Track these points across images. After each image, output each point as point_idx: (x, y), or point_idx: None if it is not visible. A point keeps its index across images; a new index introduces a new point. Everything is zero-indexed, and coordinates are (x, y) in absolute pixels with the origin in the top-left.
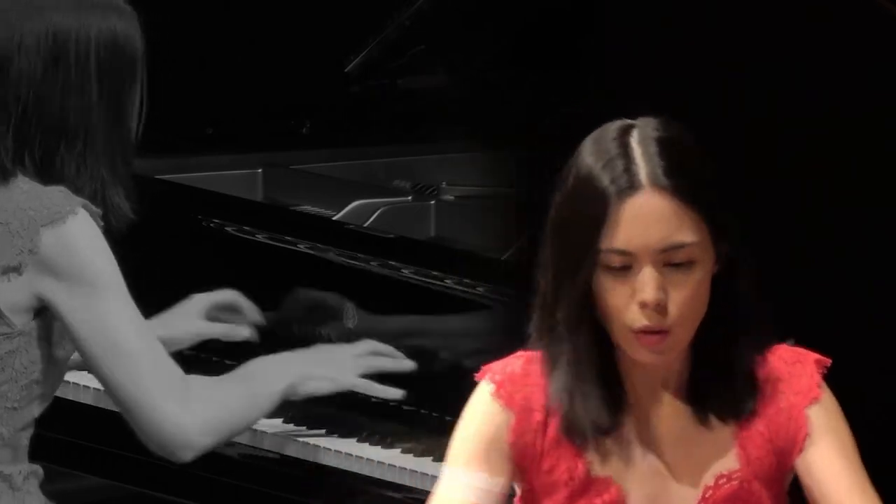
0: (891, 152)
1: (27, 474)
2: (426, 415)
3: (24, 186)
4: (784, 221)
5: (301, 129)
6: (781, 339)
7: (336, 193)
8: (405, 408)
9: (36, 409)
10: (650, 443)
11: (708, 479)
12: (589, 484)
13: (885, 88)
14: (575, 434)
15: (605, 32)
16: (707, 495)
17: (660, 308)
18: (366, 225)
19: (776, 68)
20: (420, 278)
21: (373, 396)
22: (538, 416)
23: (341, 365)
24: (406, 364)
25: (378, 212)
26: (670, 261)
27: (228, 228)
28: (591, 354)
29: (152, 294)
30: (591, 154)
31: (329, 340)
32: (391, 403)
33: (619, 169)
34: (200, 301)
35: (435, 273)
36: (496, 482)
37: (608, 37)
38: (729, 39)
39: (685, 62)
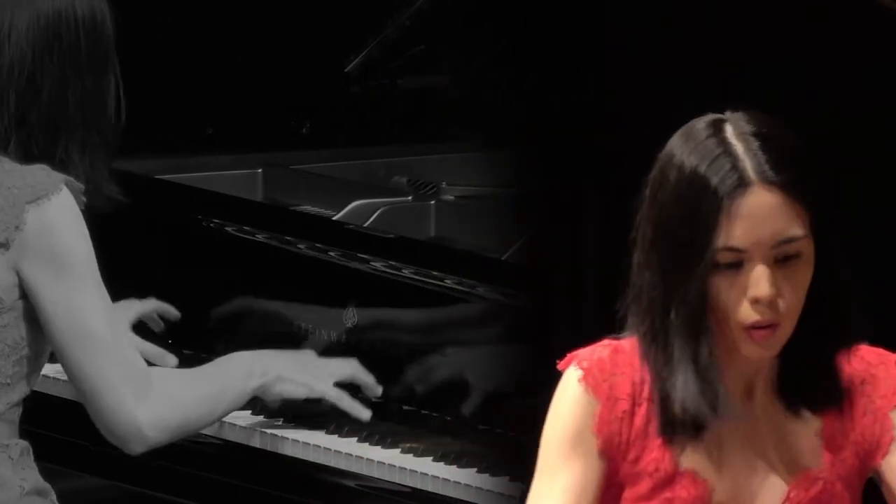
0: None
1: (23, 448)
2: (426, 415)
3: (6, 166)
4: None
5: (301, 129)
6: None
7: (336, 193)
8: (405, 408)
9: (26, 387)
10: (737, 438)
11: (793, 478)
12: (674, 477)
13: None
14: (673, 428)
15: (605, 32)
16: (791, 494)
17: (771, 303)
18: (366, 225)
19: (777, 68)
20: (420, 278)
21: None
22: (624, 406)
23: (317, 372)
24: (376, 391)
25: (378, 212)
26: (780, 255)
27: (228, 228)
28: (705, 352)
29: (150, 293)
30: (690, 153)
31: (330, 340)
32: (391, 406)
33: (726, 167)
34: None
35: (435, 273)
36: (588, 470)
37: (608, 36)
38: (730, 39)
39: (686, 62)
